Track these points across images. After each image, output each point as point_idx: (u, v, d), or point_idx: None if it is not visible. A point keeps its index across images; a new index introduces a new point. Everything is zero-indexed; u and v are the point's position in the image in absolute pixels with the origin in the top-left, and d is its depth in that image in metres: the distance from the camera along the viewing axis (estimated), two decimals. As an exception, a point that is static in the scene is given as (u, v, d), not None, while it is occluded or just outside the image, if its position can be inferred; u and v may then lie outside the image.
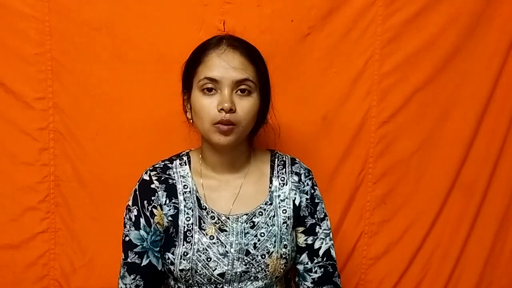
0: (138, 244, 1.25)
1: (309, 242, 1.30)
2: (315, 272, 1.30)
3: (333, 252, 1.32)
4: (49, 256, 1.63)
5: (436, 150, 1.69)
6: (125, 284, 1.26)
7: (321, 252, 1.30)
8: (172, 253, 1.23)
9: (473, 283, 1.75)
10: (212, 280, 1.22)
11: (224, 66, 1.19)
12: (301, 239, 1.31)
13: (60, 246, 1.63)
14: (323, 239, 1.31)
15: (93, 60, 1.56)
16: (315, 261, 1.30)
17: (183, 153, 1.33)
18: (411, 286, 1.74)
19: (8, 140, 1.58)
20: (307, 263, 1.31)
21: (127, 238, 1.26)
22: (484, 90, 1.67)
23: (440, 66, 1.65)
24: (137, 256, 1.25)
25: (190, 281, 1.23)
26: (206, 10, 1.55)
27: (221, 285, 1.23)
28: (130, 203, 1.27)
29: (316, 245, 1.30)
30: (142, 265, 1.25)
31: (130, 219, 1.25)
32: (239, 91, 1.20)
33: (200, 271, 1.21)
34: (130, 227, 1.25)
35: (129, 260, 1.25)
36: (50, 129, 1.59)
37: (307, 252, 1.31)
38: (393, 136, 1.67)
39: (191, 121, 1.27)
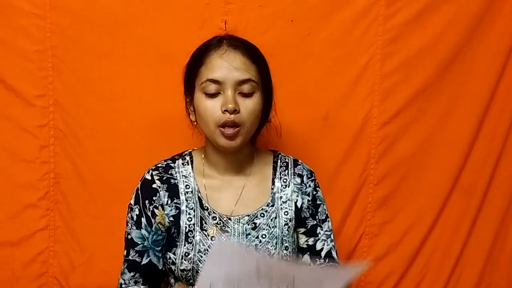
0: (139, 242, 1.26)
1: (310, 243, 1.30)
2: None
3: (334, 253, 1.31)
4: (48, 254, 1.63)
5: (437, 151, 1.69)
6: (124, 280, 1.27)
7: (323, 254, 1.30)
8: (174, 253, 1.23)
9: (473, 284, 1.75)
10: None
11: (226, 67, 1.19)
12: (302, 240, 1.31)
13: (59, 243, 1.63)
14: (324, 240, 1.30)
15: (94, 57, 1.56)
16: (317, 262, 1.30)
17: (185, 152, 1.33)
18: (411, 287, 1.74)
19: (8, 137, 1.58)
20: (309, 265, 1.29)
21: (129, 236, 1.26)
22: (485, 91, 1.67)
23: (441, 67, 1.64)
24: (137, 254, 1.26)
25: (191, 281, 1.23)
26: (208, 9, 1.55)
27: None
28: (132, 202, 1.27)
29: (318, 247, 1.30)
30: (142, 263, 1.26)
31: (132, 218, 1.26)
32: (242, 92, 1.20)
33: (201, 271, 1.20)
34: (131, 225, 1.26)
35: (130, 257, 1.26)
36: (51, 126, 1.59)
37: (308, 253, 1.30)
38: (394, 137, 1.66)
39: (195, 123, 1.27)
